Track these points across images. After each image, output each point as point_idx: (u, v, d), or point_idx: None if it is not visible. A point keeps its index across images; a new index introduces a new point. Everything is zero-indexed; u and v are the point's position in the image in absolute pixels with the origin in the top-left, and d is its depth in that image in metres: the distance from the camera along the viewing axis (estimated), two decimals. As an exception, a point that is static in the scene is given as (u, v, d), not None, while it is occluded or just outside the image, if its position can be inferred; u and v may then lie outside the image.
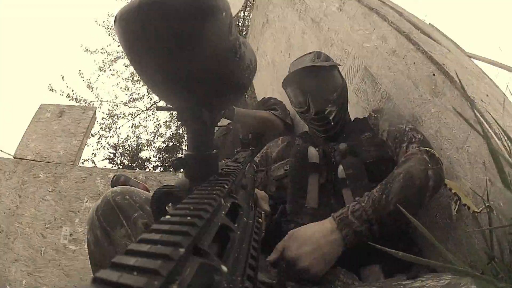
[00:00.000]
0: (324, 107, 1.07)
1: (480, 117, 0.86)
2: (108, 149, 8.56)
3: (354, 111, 1.50)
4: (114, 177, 2.14)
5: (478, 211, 0.79)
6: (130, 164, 8.28)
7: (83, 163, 6.58)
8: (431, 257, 0.86)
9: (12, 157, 3.15)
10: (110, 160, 8.33)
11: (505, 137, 0.69)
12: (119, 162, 8.38)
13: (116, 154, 8.57)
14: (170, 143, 8.74)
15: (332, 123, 1.08)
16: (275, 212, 0.91)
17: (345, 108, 1.15)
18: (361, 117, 1.20)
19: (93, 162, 8.20)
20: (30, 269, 2.58)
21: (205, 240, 0.21)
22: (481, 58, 1.86)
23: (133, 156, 8.62)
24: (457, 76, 0.88)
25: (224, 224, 0.25)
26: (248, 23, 7.44)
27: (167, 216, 0.21)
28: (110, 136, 8.71)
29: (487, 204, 0.71)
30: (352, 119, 1.21)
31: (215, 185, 0.30)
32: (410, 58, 1.11)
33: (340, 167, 0.93)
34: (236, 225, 0.28)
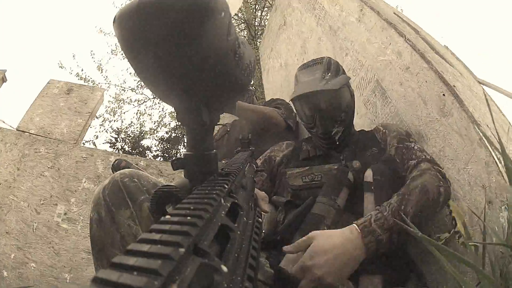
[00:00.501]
0: (331, 128, 1.08)
1: (485, 140, 0.86)
2: (110, 133, 8.58)
3: (361, 122, 1.50)
4: (115, 161, 2.15)
5: (467, 241, 0.80)
6: (130, 151, 8.30)
7: (84, 144, 6.60)
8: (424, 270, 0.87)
9: (15, 129, 3.15)
10: (111, 144, 8.35)
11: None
12: (120, 147, 8.40)
13: (118, 139, 8.59)
14: (173, 134, 8.75)
15: (338, 143, 1.09)
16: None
17: (351, 123, 1.16)
18: (367, 129, 1.20)
19: (94, 144, 8.22)
20: (20, 243, 2.58)
21: (205, 240, 0.20)
22: (491, 85, 1.85)
23: (134, 143, 8.64)
24: (470, 98, 0.88)
25: (224, 224, 0.25)
26: (264, 23, 7.45)
27: (167, 216, 0.21)
28: (114, 120, 8.74)
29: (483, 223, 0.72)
30: (358, 130, 1.21)
31: (215, 185, 0.30)
32: (423, 76, 1.11)
33: (369, 171, 0.93)
34: (236, 225, 0.28)
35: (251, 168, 0.65)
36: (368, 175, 0.92)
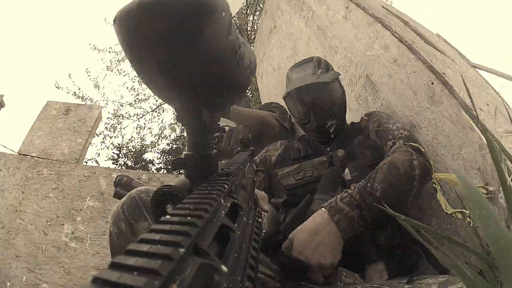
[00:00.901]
0: (325, 121, 1.10)
1: (474, 123, 0.87)
2: (112, 150, 8.60)
3: (354, 117, 1.52)
4: (117, 177, 2.16)
5: (450, 212, 0.81)
6: (133, 165, 8.31)
7: (86, 162, 6.62)
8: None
9: (17, 153, 3.18)
10: (114, 161, 8.36)
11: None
12: (122, 163, 8.41)
13: (120, 155, 8.59)
14: (174, 146, 8.76)
15: (332, 136, 1.11)
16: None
17: (344, 118, 1.18)
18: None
19: (96, 162, 8.24)
20: (31, 265, 2.59)
21: (205, 240, 0.20)
22: (486, 68, 1.86)
23: (136, 158, 8.64)
24: (461, 84, 0.90)
25: (224, 224, 0.25)
26: (257, 27, 7.49)
27: (167, 216, 0.21)
28: (115, 136, 8.75)
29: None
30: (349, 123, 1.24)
31: (215, 185, 0.30)
32: (410, 67, 1.13)
33: (346, 170, 0.97)
34: (236, 225, 0.28)
35: (251, 168, 0.66)
36: (347, 173, 0.96)
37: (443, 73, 1.04)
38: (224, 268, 0.20)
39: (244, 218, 0.32)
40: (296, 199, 0.97)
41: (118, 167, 7.83)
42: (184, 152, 0.37)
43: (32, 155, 3.11)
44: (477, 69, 1.91)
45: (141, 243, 0.17)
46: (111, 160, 8.38)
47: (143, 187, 0.83)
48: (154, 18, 0.27)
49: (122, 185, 1.81)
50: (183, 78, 0.31)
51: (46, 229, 2.69)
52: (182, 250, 0.16)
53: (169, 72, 0.31)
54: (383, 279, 0.76)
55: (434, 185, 0.85)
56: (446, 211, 0.81)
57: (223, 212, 0.27)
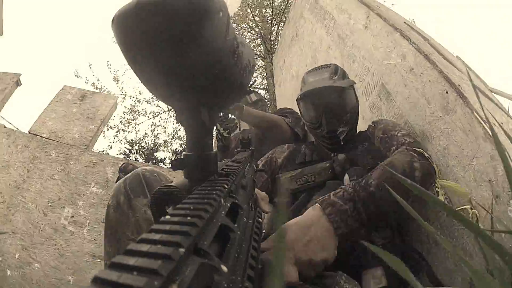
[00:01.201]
0: (337, 127, 1.09)
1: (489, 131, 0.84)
2: (124, 144, 8.67)
3: (366, 127, 1.50)
4: (122, 164, 2.17)
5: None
6: (144, 162, 8.40)
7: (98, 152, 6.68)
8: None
9: (27, 133, 3.22)
10: (125, 156, 8.44)
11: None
12: (134, 158, 8.48)
13: (132, 150, 8.67)
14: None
15: (342, 143, 1.10)
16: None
17: (355, 127, 1.18)
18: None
19: (107, 154, 8.37)
20: (26, 243, 2.60)
21: (205, 240, 0.21)
22: (503, 94, 1.83)
23: (148, 155, 8.71)
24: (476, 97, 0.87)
25: (224, 224, 0.25)
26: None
27: (167, 216, 0.21)
28: (129, 131, 8.84)
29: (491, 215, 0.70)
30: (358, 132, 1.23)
31: (215, 185, 0.30)
32: (426, 76, 1.11)
33: (346, 175, 0.96)
34: (236, 225, 0.28)
35: (251, 168, 0.66)
36: (346, 179, 0.94)
37: (459, 85, 1.02)
38: (224, 268, 0.20)
39: (244, 218, 0.32)
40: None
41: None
42: (183, 152, 0.37)
43: (42, 135, 3.15)
44: (494, 93, 1.88)
45: (141, 243, 0.17)
46: (123, 154, 8.46)
47: (151, 166, 0.84)
48: (152, 18, 0.27)
49: (126, 173, 1.81)
50: (181, 79, 0.31)
51: (46, 209, 2.71)
52: (182, 250, 0.17)
53: (167, 73, 0.31)
54: (381, 285, 0.72)
55: (436, 189, 0.82)
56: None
57: (223, 212, 0.27)
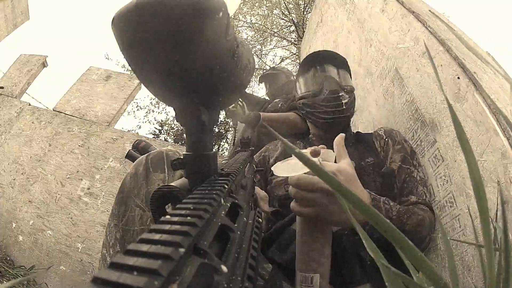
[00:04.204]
0: (338, 90, 1.07)
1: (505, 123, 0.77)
2: (154, 125, 8.81)
3: (379, 113, 1.45)
4: (136, 141, 2.20)
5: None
6: (173, 143, 8.54)
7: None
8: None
9: (51, 109, 3.34)
10: (155, 136, 8.57)
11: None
12: (163, 139, 8.59)
13: (162, 131, 8.79)
14: (216, 130, 8.88)
15: (344, 107, 1.06)
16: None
17: (350, 118, 1.14)
18: (371, 128, 1.17)
19: (137, 134, 8.58)
20: (41, 212, 2.72)
21: (205, 240, 0.21)
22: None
23: (177, 135, 8.81)
24: (493, 88, 0.80)
25: (224, 224, 0.25)
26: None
27: (167, 216, 0.21)
28: (159, 112, 8.95)
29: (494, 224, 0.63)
30: (356, 130, 1.21)
31: (215, 185, 0.30)
32: (438, 60, 1.04)
33: None
34: (236, 225, 0.28)
35: (251, 168, 0.65)
36: None
37: (474, 72, 0.94)
38: (224, 268, 0.20)
39: (244, 218, 0.32)
40: (286, 211, 0.92)
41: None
42: (183, 152, 0.37)
43: (66, 112, 3.25)
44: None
45: (141, 243, 0.17)
46: (152, 134, 8.59)
47: (172, 147, 0.85)
48: (151, 19, 0.27)
49: (139, 149, 1.83)
50: (181, 79, 0.31)
51: (64, 181, 2.81)
52: (182, 250, 0.16)
53: (167, 73, 0.31)
54: None
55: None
56: None
57: (223, 212, 0.27)
